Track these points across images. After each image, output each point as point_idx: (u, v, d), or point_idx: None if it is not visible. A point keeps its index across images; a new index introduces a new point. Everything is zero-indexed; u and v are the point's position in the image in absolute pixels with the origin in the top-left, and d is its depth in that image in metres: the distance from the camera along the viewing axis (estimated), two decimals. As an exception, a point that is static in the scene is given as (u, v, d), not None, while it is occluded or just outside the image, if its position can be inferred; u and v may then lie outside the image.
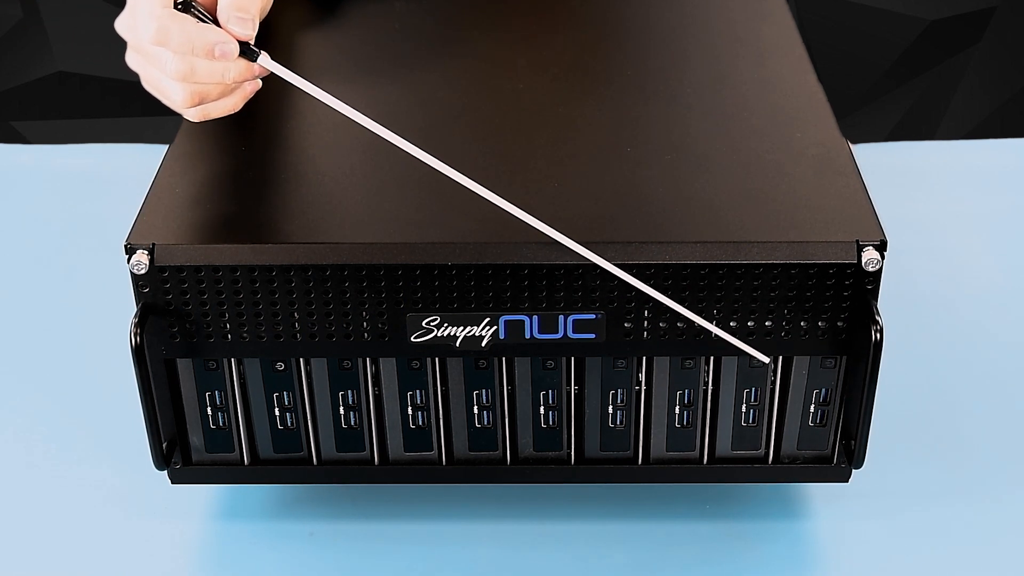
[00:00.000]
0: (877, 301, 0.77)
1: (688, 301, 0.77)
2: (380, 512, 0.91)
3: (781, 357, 0.81)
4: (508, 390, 0.83)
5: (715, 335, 0.78)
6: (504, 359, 0.82)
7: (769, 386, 0.83)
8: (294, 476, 0.86)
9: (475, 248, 0.76)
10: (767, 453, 0.85)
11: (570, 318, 0.78)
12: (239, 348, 0.80)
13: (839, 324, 0.78)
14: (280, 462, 0.86)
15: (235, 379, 0.83)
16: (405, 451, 0.85)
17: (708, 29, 1.05)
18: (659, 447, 0.85)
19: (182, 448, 0.85)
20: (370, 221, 0.79)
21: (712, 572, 0.87)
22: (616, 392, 0.83)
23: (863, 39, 2.03)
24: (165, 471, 0.85)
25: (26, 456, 0.97)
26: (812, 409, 0.83)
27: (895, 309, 0.91)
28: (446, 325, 0.79)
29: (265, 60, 0.79)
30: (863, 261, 0.76)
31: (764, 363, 0.80)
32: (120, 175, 1.27)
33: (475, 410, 0.84)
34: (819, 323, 0.78)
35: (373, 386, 0.83)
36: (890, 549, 0.88)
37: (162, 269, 0.77)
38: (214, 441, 0.85)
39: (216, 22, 0.79)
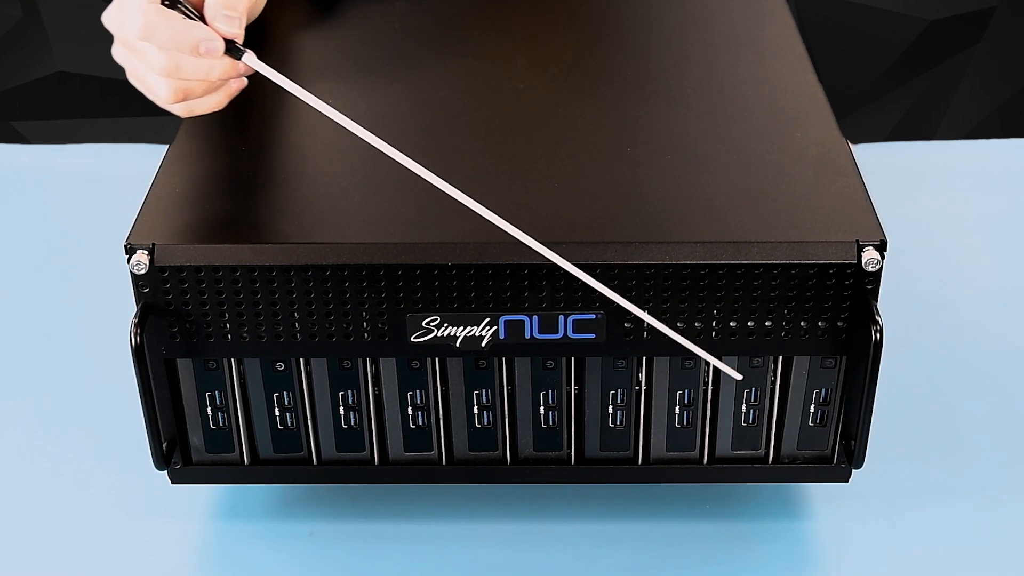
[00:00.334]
0: (877, 301, 0.77)
1: (688, 301, 0.77)
2: (380, 512, 0.91)
3: (781, 357, 0.81)
4: (508, 390, 0.83)
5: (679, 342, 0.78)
6: (504, 359, 0.82)
7: (769, 386, 0.83)
8: (294, 476, 0.86)
9: (475, 248, 0.76)
10: (767, 453, 0.85)
11: (570, 318, 0.78)
12: (239, 348, 0.80)
13: (839, 324, 0.78)
14: (280, 462, 0.86)
15: (235, 379, 0.83)
16: (405, 451, 0.85)
17: (708, 29, 1.05)
18: (659, 447, 0.85)
19: (182, 448, 0.85)
20: (370, 221, 0.79)
21: (712, 572, 0.87)
22: (616, 392, 0.83)
23: (863, 39, 2.03)
24: (165, 471, 0.85)
25: (26, 456, 0.97)
26: (812, 409, 0.83)
27: (895, 309, 0.91)
28: (446, 325, 0.79)
29: (250, 59, 0.79)
30: (863, 261, 0.76)
31: (737, 379, 0.80)
32: (120, 175, 1.27)
33: (475, 410, 0.84)
34: (819, 323, 0.78)
35: (373, 386, 0.83)
36: (890, 549, 0.88)
37: (162, 269, 0.77)
38: (214, 441, 0.85)
39: (203, 19, 0.79)
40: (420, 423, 0.84)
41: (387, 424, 0.85)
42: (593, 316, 0.78)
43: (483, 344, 0.79)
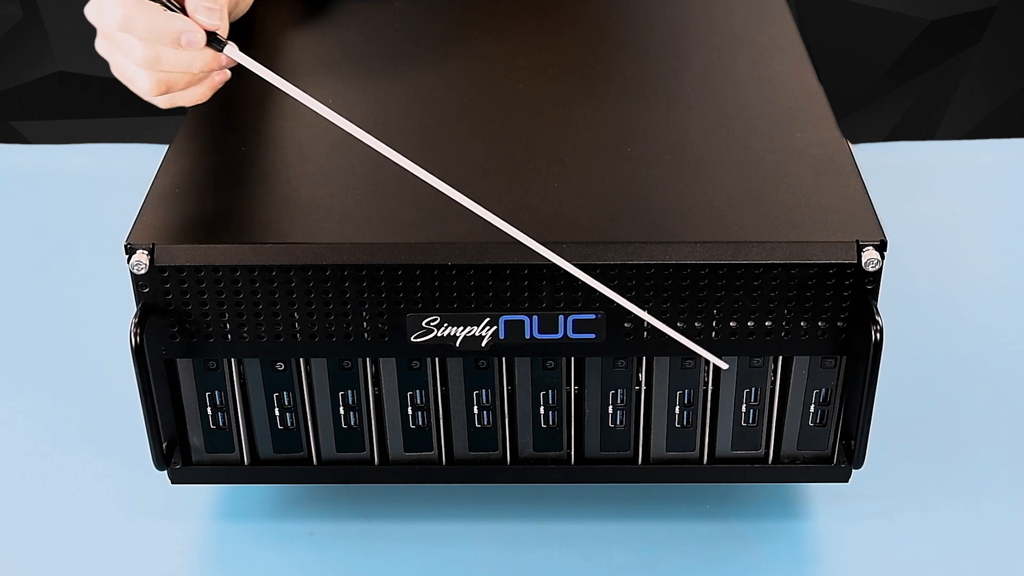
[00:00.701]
0: (877, 301, 0.77)
1: (688, 301, 0.77)
2: (380, 512, 0.91)
3: (781, 357, 0.81)
4: (508, 390, 0.83)
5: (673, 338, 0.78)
6: (504, 359, 0.82)
7: (769, 386, 0.83)
8: (294, 476, 0.86)
9: (475, 248, 0.76)
10: (767, 453, 0.85)
11: (570, 318, 0.78)
12: (239, 348, 0.80)
13: (839, 324, 0.78)
14: (280, 462, 0.86)
15: (235, 379, 0.83)
16: (405, 451, 0.85)
17: (708, 29, 1.05)
18: (659, 447, 0.85)
19: (182, 448, 0.85)
20: (370, 221, 0.79)
21: (712, 572, 0.87)
22: (616, 392, 0.83)
23: (863, 39, 2.03)
24: (165, 471, 0.85)
25: (26, 456, 0.97)
26: (812, 409, 0.83)
27: (895, 309, 0.91)
28: (446, 325, 0.79)
29: (232, 51, 0.79)
30: (863, 261, 0.76)
31: (723, 368, 0.80)
32: (120, 175, 1.27)
33: (475, 410, 0.84)
34: (819, 323, 0.78)
35: (373, 386, 0.83)
36: (890, 549, 0.88)
37: (162, 269, 0.77)
38: (214, 441, 0.85)
39: (184, 11, 0.79)
40: (420, 423, 0.84)
41: (387, 424, 0.85)
42: (593, 316, 0.78)
43: (483, 344, 0.79)
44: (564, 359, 0.82)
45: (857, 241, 0.76)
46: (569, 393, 0.83)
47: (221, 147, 0.89)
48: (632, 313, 0.77)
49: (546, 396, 0.83)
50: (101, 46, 0.83)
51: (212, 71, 0.81)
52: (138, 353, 0.77)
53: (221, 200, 0.83)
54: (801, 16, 1.98)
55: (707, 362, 0.81)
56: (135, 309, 0.78)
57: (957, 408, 1.00)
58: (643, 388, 0.83)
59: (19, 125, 2.07)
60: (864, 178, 0.83)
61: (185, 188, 0.83)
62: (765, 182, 0.82)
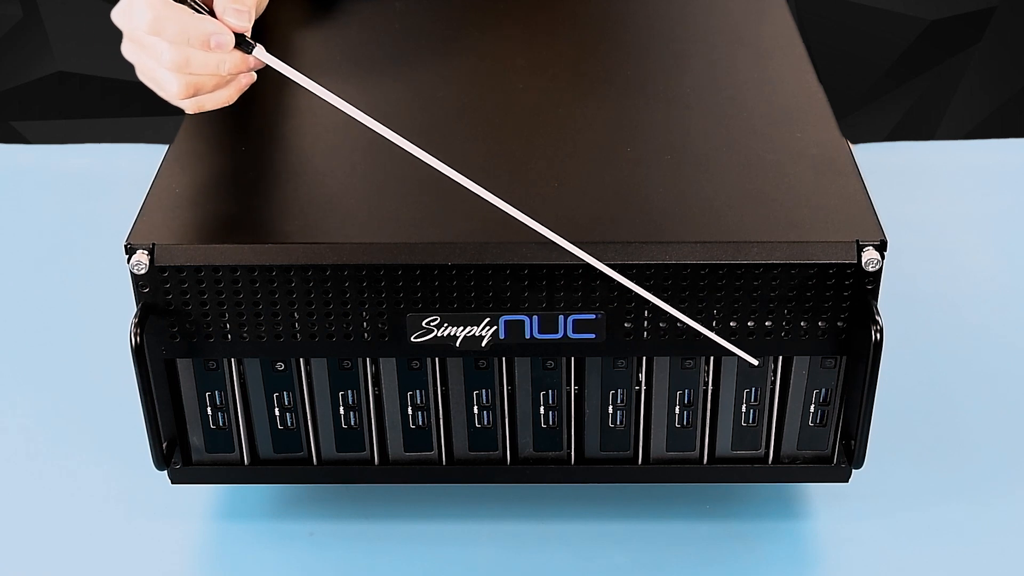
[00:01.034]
0: (877, 301, 0.77)
1: (688, 301, 0.77)
2: (380, 512, 0.91)
3: (781, 357, 0.81)
4: (508, 390, 0.83)
5: (707, 337, 0.78)
6: (504, 359, 0.82)
7: (769, 386, 0.83)
8: (294, 476, 0.86)
9: (475, 248, 0.76)
10: (767, 453, 0.85)
11: (570, 318, 0.78)
12: (239, 348, 0.80)
13: (839, 324, 0.78)
14: (280, 462, 0.86)
15: (235, 379, 0.83)
16: (405, 451, 0.85)
17: (708, 29, 1.05)
18: (659, 447, 0.85)
19: (182, 448, 0.85)
20: (370, 221, 0.79)
21: (712, 572, 0.87)
22: (616, 392, 0.83)
23: (863, 39, 2.03)
24: (165, 471, 0.85)
25: (26, 456, 0.97)
26: (812, 409, 0.83)
27: (895, 309, 0.91)
28: (446, 325, 0.79)
29: (260, 52, 0.79)
30: (863, 261, 0.76)
31: (754, 364, 0.80)
32: (120, 175, 1.27)
33: (475, 410, 0.84)
34: (819, 323, 0.78)
35: (373, 386, 0.83)
36: (890, 549, 0.88)
37: (162, 269, 0.77)
38: (214, 441, 0.85)
39: (212, 13, 0.79)
40: (420, 423, 0.84)
41: (387, 424, 0.85)
42: (593, 316, 0.78)
43: (483, 344, 0.79)
44: (564, 359, 0.82)
45: (857, 241, 0.76)
46: (569, 393, 0.83)
47: (221, 147, 0.89)
48: (632, 314, 0.77)
49: (546, 396, 0.83)
50: (128, 50, 0.82)
51: (240, 73, 0.81)
52: (138, 353, 0.77)
53: (221, 200, 0.83)
54: (801, 16, 1.98)
55: (707, 362, 0.82)
56: (135, 309, 0.78)
57: (957, 408, 1.00)
58: (643, 388, 0.83)
59: (19, 125, 2.07)
60: (864, 178, 0.83)
61: (185, 188, 0.83)
62: (765, 182, 0.82)
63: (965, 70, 2.05)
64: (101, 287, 1.09)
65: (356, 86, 0.95)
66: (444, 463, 0.86)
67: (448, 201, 0.79)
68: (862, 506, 0.91)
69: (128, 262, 0.77)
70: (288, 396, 0.83)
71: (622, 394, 0.83)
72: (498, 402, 0.83)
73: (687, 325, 0.78)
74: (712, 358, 0.81)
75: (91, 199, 1.26)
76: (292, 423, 0.84)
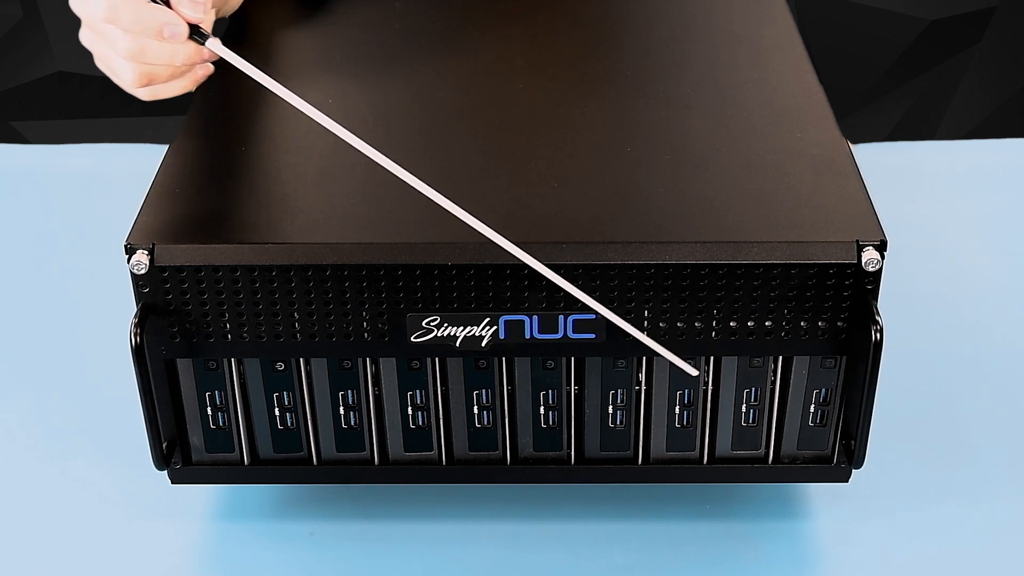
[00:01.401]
0: (877, 301, 0.77)
1: (688, 301, 0.77)
2: (380, 512, 0.91)
3: (781, 357, 0.81)
4: (508, 390, 0.83)
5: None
6: (504, 359, 0.82)
7: (769, 386, 0.83)
8: (294, 476, 0.86)
9: (475, 248, 0.76)
10: (767, 453, 0.85)
11: (570, 318, 0.78)
12: (239, 348, 0.80)
13: (839, 324, 0.78)
14: (280, 462, 0.86)
15: (235, 379, 0.83)
16: (405, 451, 0.85)
17: (708, 29, 1.05)
18: (659, 447, 0.85)
19: (182, 448, 0.85)
20: (370, 221, 0.79)
21: (712, 572, 0.87)
22: (616, 392, 0.83)
23: (863, 39, 2.03)
24: (165, 471, 0.85)
25: (26, 456, 0.97)
26: (812, 409, 0.83)
27: (895, 309, 0.91)
28: (446, 325, 0.79)
29: (214, 44, 0.79)
30: (863, 261, 0.76)
31: (693, 375, 0.80)
32: (120, 175, 1.27)
33: (475, 410, 0.84)
34: (819, 323, 0.78)
35: (373, 386, 0.83)
36: (890, 549, 0.88)
37: (162, 269, 0.77)
38: (214, 441, 0.85)
39: (168, 3, 0.79)
40: (420, 423, 0.84)
41: (387, 424, 0.84)
42: (593, 316, 0.78)
43: (483, 344, 0.79)
44: (564, 359, 0.82)
45: (857, 241, 0.76)
46: (569, 393, 0.83)
47: (221, 147, 0.89)
48: (632, 314, 0.77)
49: (546, 396, 0.83)
50: (85, 37, 0.83)
51: (195, 64, 0.81)
52: (138, 353, 0.77)
53: (221, 200, 0.83)
54: (801, 16, 1.98)
55: (707, 362, 0.81)
56: (135, 309, 0.78)
57: (957, 408, 1.00)
58: (643, 388, 0.83)
59: (19, 125, 2.07)
60: (864, 178, 0.83)
61: (185, 188, 0.83)
62: (765, 182, 0.82)
63: (965, 70, 2.05)
64: (101, 287, 1.09)
65: (356, 86, 0.95)
66: (444, 463, 0.86)
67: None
68: (862, 506, 0.91)
69: (128, 262, 0.77)
70: (288, 396, 0.83)
71: (622, 394, 0.83)
72: (498, 402, 0.83)
73: (687, 325, 0.78)
74: (712, 358, 0.81)
75: (91, 199, 1.26)
76: (292, 423, 0.84)
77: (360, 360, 0.82)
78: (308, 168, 0.86)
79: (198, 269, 0.77)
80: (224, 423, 0.84)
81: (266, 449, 0.85)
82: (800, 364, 0.81)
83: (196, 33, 0.79)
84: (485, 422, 0.84)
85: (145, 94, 0.83)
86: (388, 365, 0.82)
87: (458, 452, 0.86)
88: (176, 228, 0.79)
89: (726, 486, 0.92)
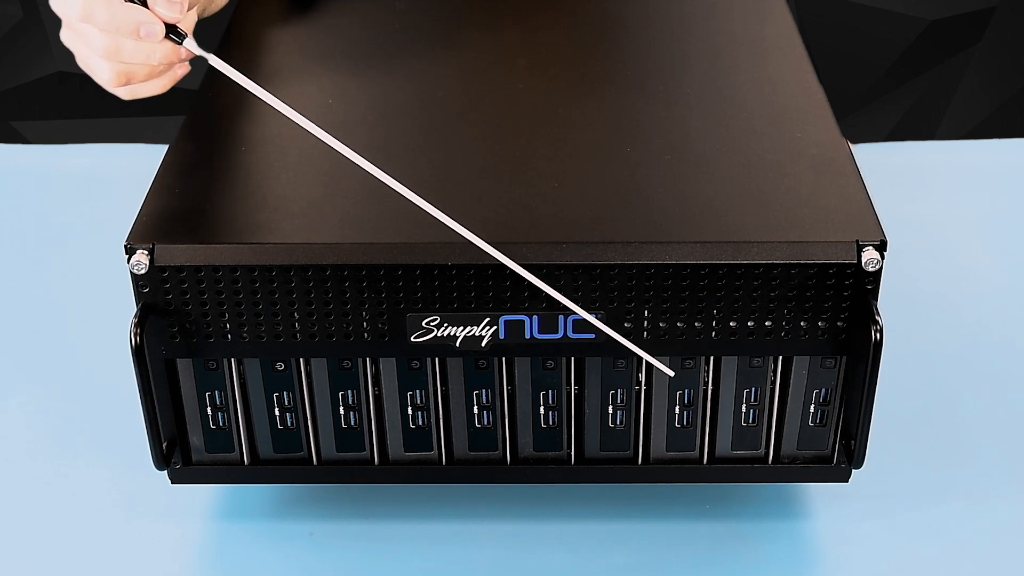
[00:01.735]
0: (877, 301, 0.77)
1: (688, 301, 0.77)
2: (380, 512, 0.91)
3: (781, 357, 0.81)
4: (508, 390, 0.83)
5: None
6: (504, 359, 0.82)
7: (769, 386, 0.83)
8: (294, 476, 0.86)
9: (475, 248, 0.76)
10: (767, 453, 0.85)
11: (570, 318, 0.78)
12: (239, 348, 0.80)
13: (839, 324, 0.78)
14: (280, 462, 0.86)
15: (235, 379, 0.83)
16: (405, 451, 0.85)
17: (708, 29, 1.05)
18: (659, 447, 0.85)
19: (182, 448, 0.85)
20: (370, 221, 0.79)
21: (712, 572, 0.87)
22: (616, 392, 0.83)
23: (863, 39, 2.03)
24: (165, 471, 0.85)
25: (26, 456, 0.97)
26: (812, 409, 0.83)
27: (895, 309, 0.91)
28: (446, 325, 0.79)
29: (191, 44, 0.79)
30: (863, 261, 0.76)
31: (670, 375, 0.80)
32: (120, 175, 1.27)
33: (475, 410, 0.84)
34: (819, 323, 0.78)
35: (373, 386, 0.83)
36: (890, 549, 0.88)
37: (162, 269, 0.77)
38: (214, 441, 0.85)
39: (144, 3, 0.79)
40: (420, 423, 0.84)
41: (387, 424, 0.84)
42: (593, 316, 0.78)
43: (483, 344, 0.79)
44: (564, 359, 0.82)
45: (857, 241, 0.76)
46: (569, 393, 0.83)
47: (221, 147, 0.89)
48: (632, 314, 0.77)
49: (546, 396, 0.83)
50: (65, 36, 0.83)
51: (172, 63, 0.82)
52: (138, 353, 0.77)
53: (221, 200, 0.83)
54: (801, 16, 1.98)
55: (707, 362, 0.82)
56: (135, 309, 0.78)
57: (957, 408, 1.00)
58: (643, 388, 0.83)
59: (19, 125, 2.07)
60: (864, 178, 0.83)
61: (185, 188, 0.83)
62: (765, 182, 0.82)
63: (965, 70, 2.05)
64: (101, 287, 1.09)
65: (356, 85, 0.95)
66: (444, 463, 0.86)
67: (448, 202, 0.79)
68: (862, 506, 0.91)
69: (128, 262, 0.77)
70: (288, 396, 0.83)
71: (622, 394, 0.83)
72: (498, 402, 0.83)
73: (687, 325, 0.78)
74: (712, 358, 0.81)
75: (91, 199, 1.26)
76: (292, 423, 0.84)
77: (360, 360, 0.82)
78: (308, 168, 0.86)
79: (198, 269, 0.77)
80: (224, 423, 0.84)
81: (266, 449, 0.85)
82: (800, 364, 0.81)
83: (173, 33, 0.79)
84: (485, 422, 0.84)
85: (124, 93, 0.83)
86: (388, 365, 0.82)
87: (458, 452, 0.86)
88: (176, 228, 0.79)
89: (726, 486, 0.92)
